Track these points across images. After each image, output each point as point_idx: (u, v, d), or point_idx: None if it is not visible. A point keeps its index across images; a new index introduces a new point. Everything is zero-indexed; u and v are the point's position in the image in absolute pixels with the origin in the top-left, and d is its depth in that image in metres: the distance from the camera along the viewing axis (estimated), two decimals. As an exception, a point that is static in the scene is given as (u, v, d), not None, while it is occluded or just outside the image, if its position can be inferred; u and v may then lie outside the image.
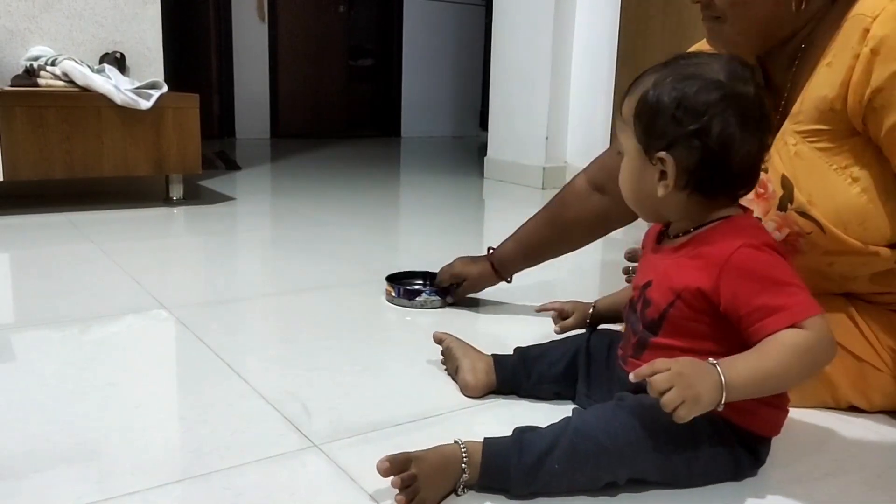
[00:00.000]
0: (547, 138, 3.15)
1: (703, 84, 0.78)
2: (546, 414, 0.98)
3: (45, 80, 2.27)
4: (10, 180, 2.17)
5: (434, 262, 1.85)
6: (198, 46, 5.00)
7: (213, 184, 3.00)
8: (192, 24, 4.95)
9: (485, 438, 0.79)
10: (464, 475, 0.77)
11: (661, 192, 0.81)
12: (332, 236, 2.16)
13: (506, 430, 0.93)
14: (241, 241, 2.20)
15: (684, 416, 0.70)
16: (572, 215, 1.31)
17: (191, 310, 1.40)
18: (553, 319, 1.09)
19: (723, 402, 0.72)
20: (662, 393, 0.70)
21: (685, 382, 0.71)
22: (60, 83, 2.28)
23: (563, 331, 1.07)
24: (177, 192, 2.50)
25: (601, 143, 2.98)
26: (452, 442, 0.79)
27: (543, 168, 3.16)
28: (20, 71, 2.37)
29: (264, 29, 5.17)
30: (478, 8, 5.96)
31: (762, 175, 0.97)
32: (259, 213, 2.59)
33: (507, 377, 1.02)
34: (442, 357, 1.12)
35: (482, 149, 3.67)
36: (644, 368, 0.73)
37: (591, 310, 1.07)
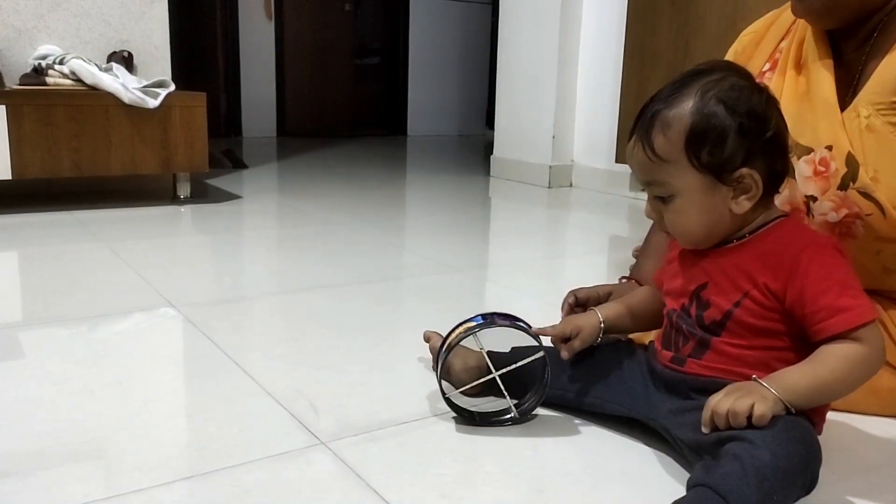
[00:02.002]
0: (553, 137, 3.14)
1: (747, 90, 0.79)
2: (552, 418, 0.98)
3: (53, 79, 2.28)
4: (19, 179, 2.18)
5: (441, 261, 1.85)
6: (205, 45, 5.01)
7: (221, 182, 3.01)
8: (199, 23, 4.96)
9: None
10: None
11: (745, 206, 0.80)
12: (339, 235, 2.16)
13: (512, 432, 0.93)
14: (248, 240, 2.21)
15: (764, 411, 0.72)
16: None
17: (198, 308, 1.40)
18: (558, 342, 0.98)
19: (785, 401, 0.74)
20: (726, 412, 0.73)
21: (743, 391, 0.74)
22: (68, 82, 2.28)
23: (570, 354, 0.94)
24: (184, 190, 2.50)
25: (608, 142, 2.97)
26: None
27: (550, 167, 3.15)
28: (28, 70, 2.38)
29: (271, 28, 5.18)
30: (484, 6, 5.96)
31: (825, 152, 0.98)
32: (266, 212, 2.59)
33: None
34: (431, 356, 1.11)
35: (488, 147, 3.67)
36: (704, 413, 0.75)
37: (601, 324, 0.96)
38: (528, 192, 3.07)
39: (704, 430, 0.76)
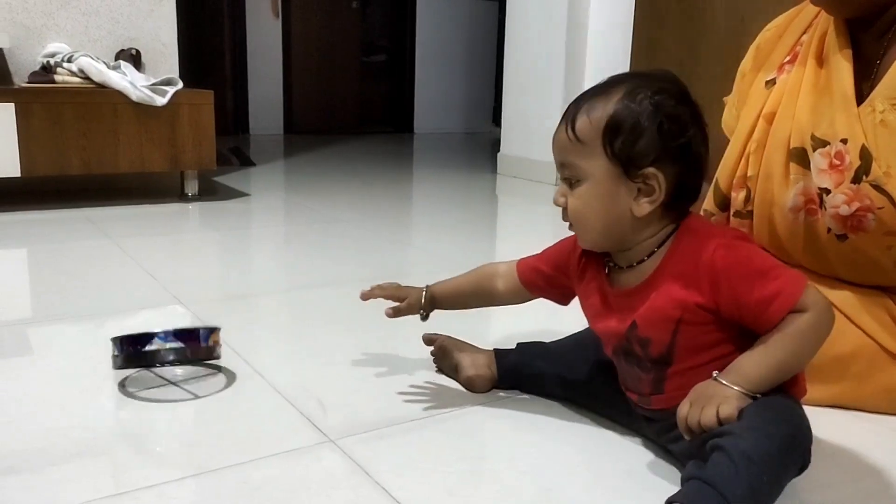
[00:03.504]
0: (560, 134, 3.13)
1: (676, 97, 0.79)
2: (560, 416, 0.98)
3: (61, 77, 2.29)
4: (28, 176, 2.20)
5: (448, 258, 1.85)
6: (212, 43, 5.02)
7: (228, 180, 3.01)
8: (206, 21, 4.97)
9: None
10: None
11: (645, 209, 0.80)
12: (346, 233, 2.17)
13: (520, 429, 0.94)
14: (256, 237, 2.21)
15: (730, 411, 0.72)
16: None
17: (206, 305, 1.41)
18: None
19: (750, 392, 0.74)
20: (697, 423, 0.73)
21: (705, 397, 0.75)
22: (77, 80, 2.29)
23: (395, 315, 1.05)
24: (192, 188, 2.51)
25: (615, 139, 2.96)
26: None
27: (557, 164, 3.14)
28: (37, 68, 2.39)
29: (278, 25, 5.19)
30: (490, 4, 5.95)
31: (840, 146, 0.97)
32: (273, 210, 2.60)
33: (507, 373, 1.02)
34: (433, 358, 1.12)
35: (495, 145, 3.67)
36: (679, 426, 0.76)
37: (422, 296, 1.05)
38: (534, 190, 3.07)
39: (686, 437, 0.76)
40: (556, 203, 0.85)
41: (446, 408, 0.99)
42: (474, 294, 1.05)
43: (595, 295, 0.89)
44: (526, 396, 1.02)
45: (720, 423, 0.72)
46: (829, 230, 1.00)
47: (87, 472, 0.81)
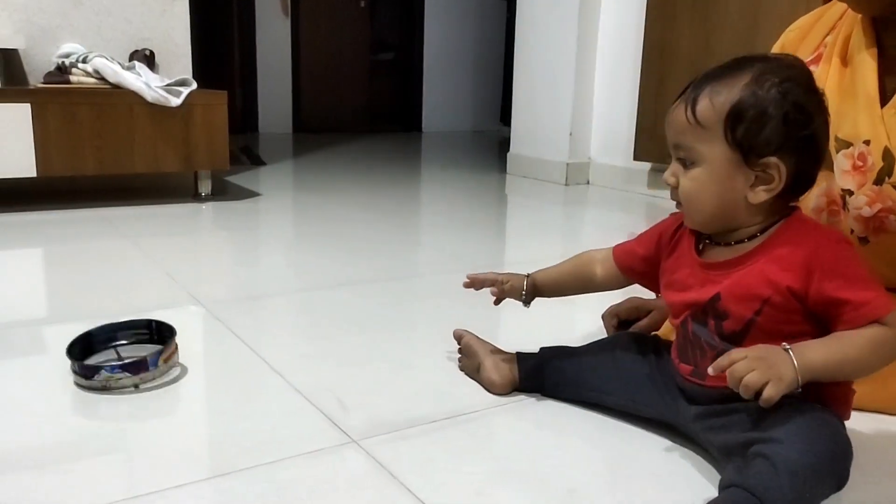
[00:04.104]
0: (571, 134, 3.14)
1: (804, 86, 0.79)
2: (582, 417, 0.99)
3: (76, 78, 2.31)
4: (44, 176, 2.21)
5: (459, 258, 1.86)
6: (221, 41, 5.04)
7: (239, 179, 3.03)
8: (216, 20, 4.99)
9: None
10: None
11: (761, 197, 0.80)
12: (357, 233, 2.18)
13: (543, 431, 0.95)
14: (270, 237, 2.23)
15: (773, 395, 0.72)
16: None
17: (224, 305, 1.42)
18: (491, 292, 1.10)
19: (800, 381, 0.74)
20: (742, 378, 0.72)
21: (765, 364, 0.74)
22: (92, 80, 2.31)
23: (500, 297, 1.08)
24: (205, 187, 2.53)
25: (626, 139, 2.97)
26: None
27: (567, 164, 3.15)
28: (52, 68, 2.41)
29: (287, 24, 5.20)
30: (499, 2, 5.95)
31: (863, 147, 0.98)
32: (285, 210, 2.61)
33: (529, 376, 1.02)
34: (459, 355, 1.13)
35: (503, 144, 3.68)
36: (722, 360, 0.75)
37: (524, 281, 1.07)
38: (544, 190, 3.07)
39: (711, 372, 0.76)
40: (667, 181, 0.86)
41: (467, 409, 1.00)
42: (574, 281, 1.07)
43: (683, 268, 0.89)
44: (544, 399, 1.03)
45: (755, 397, 0.73)
46: (851, 232, 1.00)
47: (114, 472, 0.82)
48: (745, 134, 0.78)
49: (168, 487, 0.79)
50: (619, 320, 1.23)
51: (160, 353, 1.04)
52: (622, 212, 2.72)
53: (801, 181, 0.82)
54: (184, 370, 1.10)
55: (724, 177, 0.81)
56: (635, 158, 2.90)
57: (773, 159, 0.79)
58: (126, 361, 1.03)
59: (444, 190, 3.14)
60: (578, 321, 1.12)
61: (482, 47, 6.02)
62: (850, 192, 0.99)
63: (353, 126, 5.55)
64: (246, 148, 3.92)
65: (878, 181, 0.96)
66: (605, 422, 0.97)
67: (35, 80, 2.44)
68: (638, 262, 0.99)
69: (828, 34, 1.10)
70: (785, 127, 0.78)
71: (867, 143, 0.97)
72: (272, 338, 1.27)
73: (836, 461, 0.74)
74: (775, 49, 1.18)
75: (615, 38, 3.05)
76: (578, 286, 1.08)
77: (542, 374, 1.02)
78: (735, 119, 0.79)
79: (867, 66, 1.00)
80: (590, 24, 3.08)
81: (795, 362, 0.74)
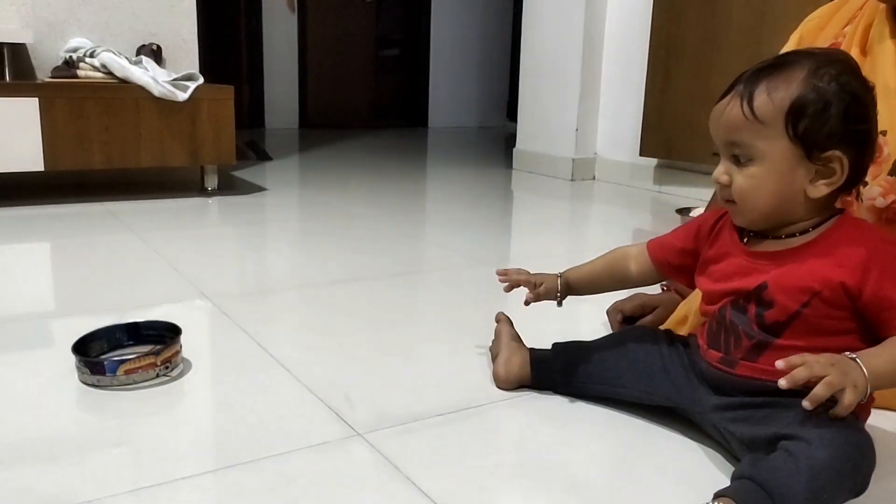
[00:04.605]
0: (577, 129, 3.14)
1: (859, 78, 0.79)
2: (588, 411, 0.99)
3: (84, 72, 2.32)
4: (51, 170, 2.22)
5: (465, 254, 1.87)
6: (228, 37, 5.05)
7: (246, 174, 3.04)
8: (223, 15, 4.99)
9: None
10: None
11: (822, 191, 0.80)
12: (363, 228, 2.18)
13: (548, 425, 0.95)
14: (275, 233, 2.23)
15: (852, 401, 0.71)
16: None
17: (230, 299, 1.43)
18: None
19: (869, 390, 0.73)
20: (816, 381, 0.70)
21: (839, 370, 0.72)
22: (99, 75, 2.32)
23: (535, 300, 1.06)
24: (212, 182, 2.53)
25: (632, 135, 2.96)
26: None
27: (573, 160, 3.15)
28: (59, 63, 2.42)
29: (294, 20, 5.20)
30: (506, -2, 5.94)
31: (880, 138, 0.96)
32: (291, 205, 2.62)
33: (542, 374, 1.02)
34: (493, 338, 1.13)
35: (509, 139, 3.67)
36: (794, 358, 0.73)
37: (558, 281, 1.06)
38: (550, 185, 3.07)
39: (780, 364, 0.73)
40: (719, 180, 0.84)
41: (473, 402, 1.00)
42: (608, 278, 1.05)
43: (726, 258, 0.88)
44: (549, 395, 1.02)
45: (834, 404, 0.71)
46: None
47: (120, 465, 0.83)
48: (808, 128, 0.78)
49: (174, 479, 0.80)
50: (624, 316, 1.23)
51: (122, 362, 1.01)
52: (628, 207, 2.72)
53: (857, 174, 0.82)
54: (189, 364, 1.10)
55: (784, 172, 0.80)
56: (641, 154, 2.89)
57: (836, 153, 0.78)
58: (89, 359, 1.03)
59: (450, 186, 3.15)
60: (584, 316, 1.12)
61: (488, 43, 6.01)
62: (865, 183, 0.99)
63: (359, 122, 5.55)
64: (252, 143, 3.93)
65: (893, 172, 0.96)
66: (613, 416, 0.97)
67: (43, 74, 2.45)
68: (675, 255, 0.98)
69: (847, 24, 1.09)
70: (846, 120, 0.78)
71: (884, 133, 0.96)
72: (278, 332, 1.28)
73: (857, 469, 0.73)
74: (793, 38, 1.17)
75: (622, 34, 3.04)
76: (612, 283, 1.07)
77: (554, 375, 1.01)
78: (797, 113, 0.78)
79: (887, 56, 0.99)
80: (596, 20, 3.08)
81: (865, 372, 0.73)
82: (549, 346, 1.05)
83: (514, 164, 3.47)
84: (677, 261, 0.98)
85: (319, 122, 5.37)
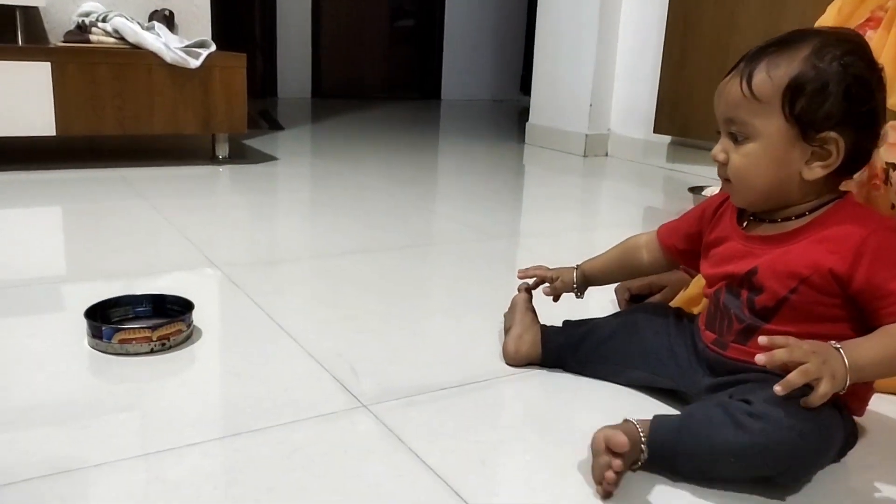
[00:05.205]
0: (591, 105, 3.11)
1: (865, 60, 0.78)
2: (593, 388, 0.99)
3: (96, 37, 2.31)
4: (63, 135, 2.22)
5: (475, 228, 1.86)
6: (241, 4, 5.00)
7: (257, 143, 3.03)
8: (237, -19, 4.95)
9: (654, 418, 0.78)
10: (642, 456, 0.76)
11: (817, 173, 0.79)
12: (373, 200, 2.18)
13: (552, 401, 0.95)
14: (286, 202, 2.23)
15: (827, 391, 0.71)
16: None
17: (240, 269, 1.43)
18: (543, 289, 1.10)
19: (848, 382, 0.72)
20: (794, 366, 0.70)
21: (819, 359, 0.71)
22: (111, 40, 2.31)
23: (554, 294, 1.08)
24: (222, 150, 2.53)
25: (646, 111, 2.93)
26: (625, 421, 0.77)
27: (586, 135, 3.12)
28: (72, 27, 2.41)
29: (307, -13, 5.15)
30: (523, -31, 5.85)
31: None
32: (302, 175, 2.61)
33: (552, 351, 1.02)
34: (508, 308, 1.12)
35: (522, 113, 3.65)
36: (778, 338, 0.73)
37: (574, 274, 1.07)
38: (562, 161, 3.05)
39: (762, 340, 0.74)
40: (716, 158, 0.84)
41: (479, 377, 1.01)
42: (621, 268, 1.07)
43: (725, 242, 0.88)
44: (557, 372, 1.02)
45: (809, 391, 0.71)
46: (893, 206, 0.99)
47: (128, 430, 0.84)
48: (804, 108, 0.77)
49: (181, 446, 0.81)
50: (631, 294, 1.22)
51: (117, 330, 1.02)
52: (640, 184, 2.70)
53: (857, 158, 0.80)
54: (199, 332, 1.11)
55: (779, 152, 0.79)
56: (655, 131, 2.86)
57: (832, 134, 0.77)
58: (93, 322, 1.03)
59: (462, 159, 3.13)
60: (593, 293, 1.12)
61: (504, 15, 5.94)
62: (894, 167, 0.97)
63: (372, 92, 5.52)
64: (264, 112, 3.92)
65: None
66: (619, 393, 0.97)
67: (55, 38, 2.44)
68: (681, 240, 0.98)
69: None
70: (846, 101, 0.76)
71: None
72: (287, 303, 1.28)
73: (783, 460, 0.72)
74: (831, 8, 1.15)
75: (638, 9, 3.00)
76: (626, 272, 1.08)
77: (563, 353, 1.01)
78: (794, 92, 0.77)
79: None
80: (614, -7, 3.03)
81: (847, 362, 0.72)
82: (560, 324, 1.05)
83: (527, 139, 3.44)
84: (684, 245, 0.98)
85: (332, 92, 5.34)
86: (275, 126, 3.58)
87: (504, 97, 6.06)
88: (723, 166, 0.84)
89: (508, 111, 5.19)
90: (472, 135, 3.91)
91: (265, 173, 2.48)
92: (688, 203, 2.10)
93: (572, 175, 2.83)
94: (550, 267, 1.10)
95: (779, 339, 0.73)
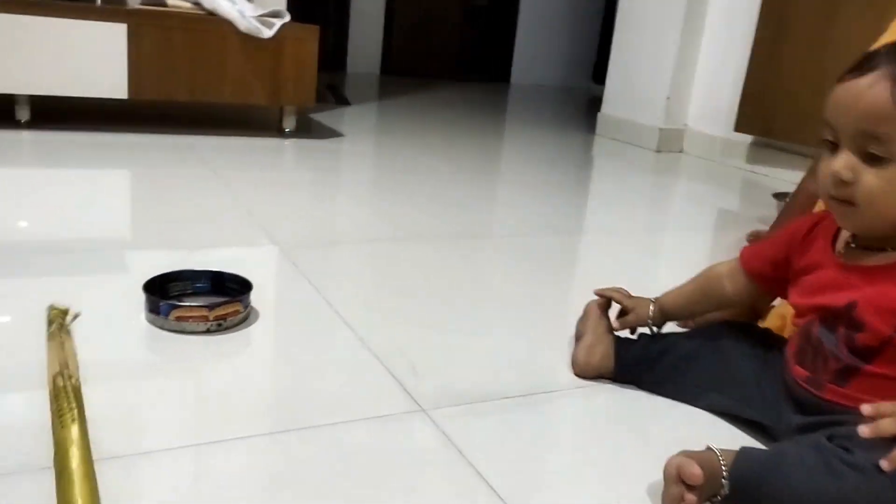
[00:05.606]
0: (668, 98, 2.97)
1: None
2: (669, 409, 0.92)
3: (173, 1, 2.30)
4: (135, 99, 2.23)
5: (541, 221, 1.79)
6: (316, -25, 4.98)
7: (323, 118, 3.00)
8: (313, -48, 4.92)
9: (740, 451, 0.71)
10: (722, 490, 0.69)
11: None
12: (437, 184, 2.12)
13: (624, 420, 0.88)
14: (349, 181, 2.20)
15: None
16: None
17: (300, 249, 1.40)
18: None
19: None
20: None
21: None
22: (188, 5, 2.30)
23: (622, 328, 1.00)
24: (289, 123, 2.51)
25: (727, 108, 2.79)
26: (707, 448, 0.71)
27: (660, 129, 2.99)
28: (150, -10, 2.40)
29: (384, -39, 5.10)
30: (604, -48, 5.67)
31: None
32: (366, 154, 2.57)
33: (626, 365, 0.95)
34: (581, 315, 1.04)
35: (592, 102, 3.53)
36: (886, 407, 0.67)
37: (651, 307, 0.99)
38: (634, 155, 2.93)
39: (866, 410, 0.67)
40: (840, 175, 0.71)
41: (545, 387, 0.94)
42: (703, 300, 0.97)
43: (817, 270, 0.80)
44: (630, 389, 0.95)
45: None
46: None
47: (179, 416, 0.81)
48: None
49: (230, 438, 0.77)
50: None
51: (174, 307, 0.99)
52: (715, 185, 2.58)
53: None
54: (255, 314, 1.07)
55: None
56: (736, 129, 2.72)
57: None
58: (151, 296, 1.01)
59: (529, 146, 3.04)
60: (662, 280, 1.04)
61: (580, 1, 5.77)
62: None
63: (440, 72, 5.44)
64: (332, 86, 3.88)
65: None
66: (696, 415, 0.90)
67: (133, 0, 2.44)
68: (768, 266, 0.89)
69: None
70: None
71: None
72: (346, 288, 1.24)
73: None
74: None
75: (727, 5, 2.84)
76: (708, 305, 0.98)
77: (638, 370, 0.94)
78: None
79: None
80: (703, -17, 2.88)
81: None
82: (636, 336, 0.98)
83: (598, 130, 3.32)
84: (771, 272, 0.89)
85: (400, 69, 5.28)
86: (342, 101, 3.55)
87: (575, 84, 5.90)
88: (845, 186, 0.72)
89: (578, 99, 5.05)
90: (539, 122, 3.81)
91: (330, 149, 2.45)
92: (770, 209, 1.98)
93: (644, 171, 2.72)
94: (628, 294, 1.02)
95: (885, 406, 0.66)
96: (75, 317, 0.98)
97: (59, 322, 0.95)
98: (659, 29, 2.99)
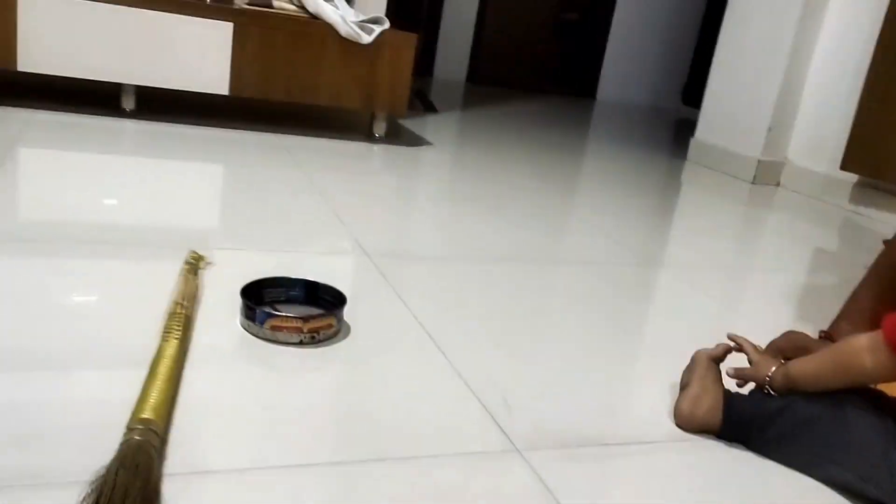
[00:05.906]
0: (770, 129, 2.85)
1: None
2: (781, 477, 0.85)
3: (279, 3, 2.33)
4: (235, 95, 2.27)
5: (631, 248, 1.74)
6: (412, -19, 5.01)
7: (411, 124, 3.00)
8: (411, -42, 4.95)
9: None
10: None
11: None
12: (523, 201, 2.08)
13: (730, 485, 0.82)
14: (436, 192, 2.18)
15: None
16: None
17: (389, 260, 1.38)
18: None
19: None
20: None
21: None
22: (293, 7, 2.33)
23: (736, 377, 0.94)
24: (380, 129, 2.51)
25: (834, 144, 2.65)
26: None
27: (759, 161, 2.87)
28: (257, -10, 2.45)
29: (479, -29, 5.09)
30: (704, -28, 5.51)
31: None
32: (453, 164, 2.55)
33: (735, 422, 0.88)
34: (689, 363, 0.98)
35: (681, 125, 3.42)
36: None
37: (773, 368, 0.91)
38: (727, 185, 2.82)
39: None
40: None
41: (646, 437, 0.89)
42: (836, 374, 0.87)
43: None
44: (738, 449, 0.89)
45: None
46: None
47: (261, 432, 0.79)
48: None
49: (316, 463, 0.75)
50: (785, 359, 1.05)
51: (270, 316, 0.98)
52: (814, 224, 2.45)
53: None
54: (346, 328, 1.06)
55: None
56: (842, 167, 2.58)
57: None
58: (248, 302, 1.00)
59: (614, 166, 2.96)
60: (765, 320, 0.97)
61: (676, 18, 5.62)
62: None
63: (526, 84, 5.39)
64: (420, 92, 3.89)
65: None
66: (810, 486, 0.83)
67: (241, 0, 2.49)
68: None
69: None
70: None
71: None
72: (436, 307, 1.21)
73: None
74: None
75: (842, 27, 2.71)
76: (844, 380, 0.87)
77: (749, 429, 0.88)
78: None
79: None
80: (814, 14, 2.75)
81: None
82: (748, 392, 0.92)
83: (689, 155, 3.22)
84: None
85: (487, 79, 5.26)
86: (429, 108, 3.55)
87: (663, 105, 5.76)
88: None
89: (667, 121, 4.92)
90: (627, 141, 3.72)
91: (418, 157, 2.44)
92: (871, 254, 1.85)
93: (736, 203, 2.61)
94: (759, 348, 0.96)
95: None
96: (208, 264, 1.18)
97: (192, 265, 1.15)
98: (764, 56, 2.87)
